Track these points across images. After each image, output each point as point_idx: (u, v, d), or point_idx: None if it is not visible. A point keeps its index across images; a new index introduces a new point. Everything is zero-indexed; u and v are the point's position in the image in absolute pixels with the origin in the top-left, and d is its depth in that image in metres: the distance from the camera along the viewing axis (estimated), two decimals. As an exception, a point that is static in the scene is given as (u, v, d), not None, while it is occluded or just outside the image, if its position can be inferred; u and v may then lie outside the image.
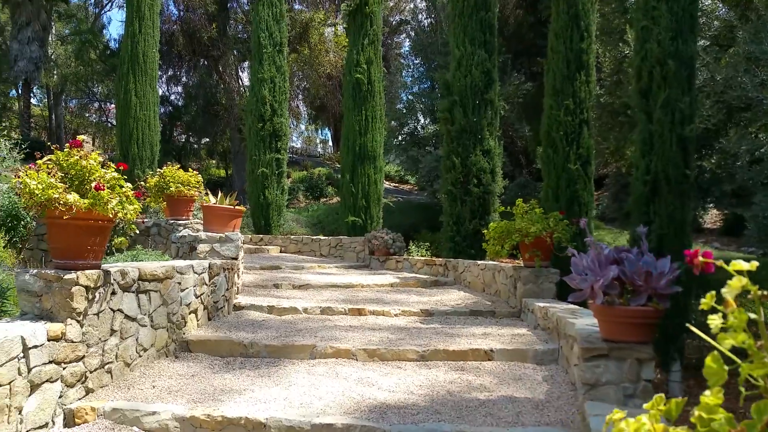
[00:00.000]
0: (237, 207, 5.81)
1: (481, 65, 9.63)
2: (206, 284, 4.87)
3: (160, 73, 30.41)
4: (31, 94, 35.54)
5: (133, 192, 3.69)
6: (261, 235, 11.56)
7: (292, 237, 11.16)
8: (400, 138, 18.61)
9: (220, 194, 5.98)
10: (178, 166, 7.81)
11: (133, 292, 3.79)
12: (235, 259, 5.70)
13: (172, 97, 30.77)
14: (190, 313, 4.56)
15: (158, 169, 7.78)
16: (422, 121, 18.67)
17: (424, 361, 4.50)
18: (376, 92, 11.71)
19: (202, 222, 9.89)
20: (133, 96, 12.30)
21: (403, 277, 8.54)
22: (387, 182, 33.87)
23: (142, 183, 8.04)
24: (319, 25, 28.80)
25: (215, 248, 5.66)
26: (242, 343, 4.41)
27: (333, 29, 32.11)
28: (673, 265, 3.23)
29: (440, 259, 8.93)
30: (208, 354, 4.42)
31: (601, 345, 3.21)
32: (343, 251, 10.45)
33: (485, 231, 6.53)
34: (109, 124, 31.11)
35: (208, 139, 31.14)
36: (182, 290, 4.41)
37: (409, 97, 19.59)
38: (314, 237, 11.00)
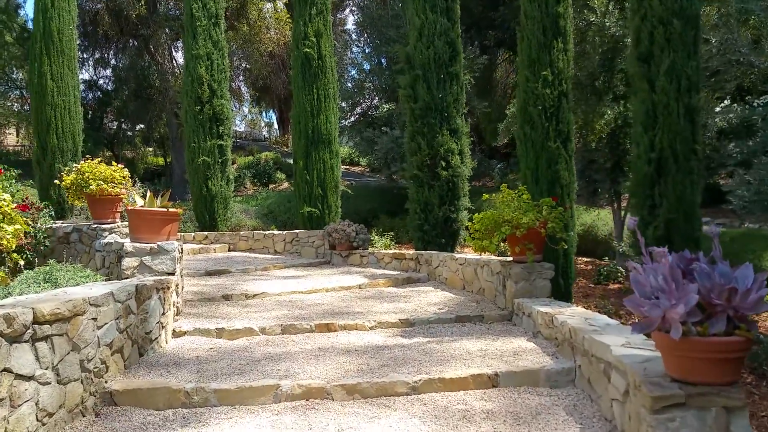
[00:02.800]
0: (171, 209, 4.73)
1: (445, 35, 8.72)
2: (134, 313, 3.81)
3: (86, 56, 28.26)
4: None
5: (14, 206, 2.59)
6: (206, 233, 10.36)
7: (242, 233, 10.02)
8: (352, 119, 17.54)
9: (149, 194, 4.88)
10: (99, 159, 6.61)
11: (26, 341, 2.72)
12: (172, 274, 4.63)
13: (101, 82, 28.52)
14: (112, 354, 3.50)
15: (74, 165, 6.54)
16: (375, 100, 17.64)
17: (417, 395, 3.62)
18: (327, 68, 10.62)
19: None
20: (48, 80, 10.77)
21: (370, 274, 7.62)
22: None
23: (56, 181, 6.80)
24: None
25: (145, 262, 4.57)
26: (184, 390, 3.40)
27: (272, 4, 30.46)
28: (760, 276, 2.43)
29: (411, 251, 8.05)
30: (140, 407, 3.38)
31: (675, 390, 2.38)
32: (300, 246, 9.42)
33: (468, 223, 5.67)
34: (33, 113, 28.57)
35: (143, 126, 29.15)
36: (100, 327, 3.35)
37: (359, 75, 18.49)
38: (266, 232, 9.91)
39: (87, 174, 6.36)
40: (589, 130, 11.37)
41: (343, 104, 18.33)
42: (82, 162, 6.52)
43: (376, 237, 11.08)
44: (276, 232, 9.85)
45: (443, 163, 8.62)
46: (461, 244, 9.43)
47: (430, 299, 6.20)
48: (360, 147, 17.52)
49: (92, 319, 3.26)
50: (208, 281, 6.97)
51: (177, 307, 4.89)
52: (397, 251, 8.24)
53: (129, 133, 29.89)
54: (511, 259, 5.68)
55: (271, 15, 29.68)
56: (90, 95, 28.26)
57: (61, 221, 7.95)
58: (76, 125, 11.26)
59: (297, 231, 9.70)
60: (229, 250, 9.91)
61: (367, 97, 18.10)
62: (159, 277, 4.37)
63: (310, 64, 10.51)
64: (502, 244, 5.77)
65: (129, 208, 4.69)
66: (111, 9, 24.66)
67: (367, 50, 18.68)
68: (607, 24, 11.30)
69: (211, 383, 3.51)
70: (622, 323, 6.63)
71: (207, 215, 11.00)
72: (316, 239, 9.19)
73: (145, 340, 4.02)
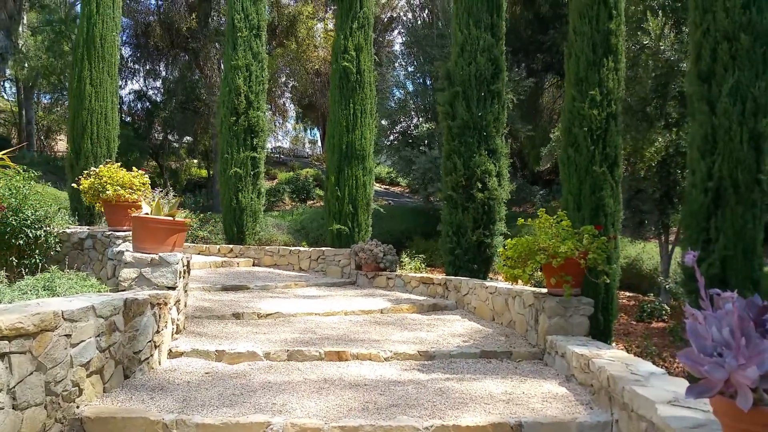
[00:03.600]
0: (178, 219, 4.42)
1: (488, 51, 8.30)
2: (119, 330, 3.47)
3: (137, 66, 28.97)
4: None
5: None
6: (231, 246, 10.12)
7: (267, 248, 9.73)
8: (391, 137, 17.23)
9: (156, 199, 4.59)
10: (118, 164, 6.39)
11: (-21, 357, 2.40)
12: (173, 288, 4.30)
13: (150, 93, 29.14)
14: (89, 376, 3.16)
15: (93, 168, 6.36)
16: (415, 120, 17.30)
17: (428, 444, 3.14)
18: (365, 83, 10.33)
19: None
20: (87, 84, 10.82)
21: (395, 298, 7.17)
22: (377, 184, 32.50)
23: (74, 185, 6.64)
24: (306, 18, 27.45)
25: (145, 274, 4.26)
26: (162, 422, 3.02)
27: (323, 24, 30.75)
28: None
29: (439, 276, 7.57)
30: (113, 437, 3.02)
31: (746, 478, 1.85)
32: (326, 265, 9.06)
33: (501, 249, 5.18)
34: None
35: (190, 138, 29.64)
36: (74, 345, 3.01)
37: (402, 94, 18.22)
38: (292, 248, 9.59)
39: (105, 178, 6.17)
40: (638, 158, 10.71)
41: (384, 122, 18.06)
42: (101, 166, 6.33)
43: (407, 259, 10.64)
44: (302, 248, 9.52)
45: (479, 185, 8.14)
46: (494, 271, 8.90)
47: (455, 329, 5.71)
48: (398, 166, 17.16)
49: (65, 335, 2.93)
50: (222, 297, 6.65)
51: (177, 324, 4.55)
52: (425, 275, 7.77)
53: (175, 144, 30.44)
54: (545, 290, 5.16)
55: (320, 34, 29.93)
56: (139, 105, 28.95)
57: (80, 226, 7.82)
58: (112, 131, 11.27)
59: (323, 248, 9.34)
60: (253, 265, 9.63)
61: (408, 116, 17.79)
62: (155, 292, 4.04)
63: (348, 78, 10.24)
64: (538, 273, 5.26)
65: (133, 215, 4.41)
66: (163, 22, 25.24)
67: (410, 69, 18.41)
68: (662, 47, 10.69)
69: (194, 416, 3.13)
70: (667, 370, 5.96)
71: (235, 228, 10.77)
72: (342, 258, 8.81)
73: (132, 361, 3.67)
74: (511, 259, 4.98)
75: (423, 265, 11.01)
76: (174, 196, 13.46)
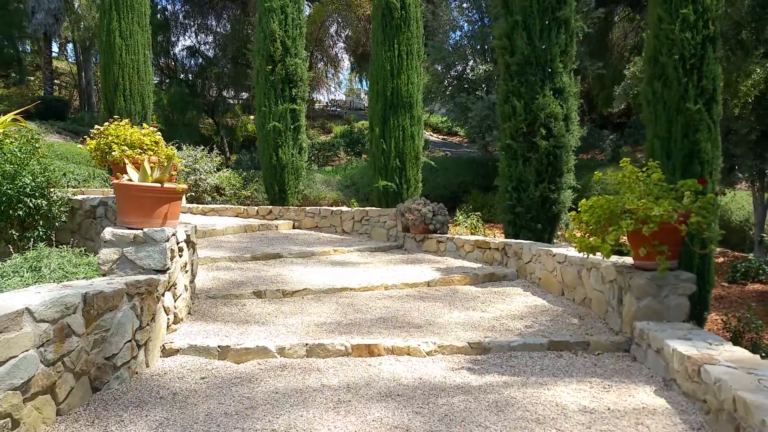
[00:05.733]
0: (167, 185, 3.60)
1: (552, -30, 6.96)
2: (77, 334, 2.72)
3: (189, 22, 28.46)
4: (58, 50, 34.28)
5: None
6: (270, 207, 9.38)
7: (308, 209, 8.92)
8: (446, 82, 15.91)
9: (146, 163, 3.78)
10: (127, 125, 5.63)
11: None
12: (162, 271, 3.53)
13: (203, 48, 28.58)
14: (29, 400, 2.43)
15: (97, 126, 5.64)
16: (471, 62, 15.85)
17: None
18: (411, 20, 9.14)
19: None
20: (117, 37, 10.17)
21: (445, 266, 6.24)
22: (434, 134, 31.18)
23: (80, 146, 5.99)
24: (355, -42, 25.94)
25: (127, 255, 3.49)
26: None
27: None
28: None
29: (496, 239, 6.55)
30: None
31: None
32: (370, 227, 8.18)
33: (573, 213, 4.11)
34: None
35: (246, 93, 29.12)
36: (1, 363, 2.27)
37: (457, 35, 16.73)
38: (334, 209, 8.75)
39: (111, 137, 5.45)
40: (731, 93, 9.08)
41: (438, 67, 16.73)
42: (106, 123, 5.61)
43: (461, 216, 9.63)
44: (344, 209, 8.68)
45: (543, 131, 6.96)
46: (562, 230, 7.79)
47: (515, 307, 4.74)
48: (453, 114, 15.89)
49: (-19, 353, 2.18)
50: (248, 267, 5.91)
51: (175, 313, 3.80)
52: (480, 238, 6.76)
53: (230, 100, 30.02)
54: (631, 262, 4.09)
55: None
56: (192, 62, 28.52)
57: (93, 194, 7.24)
58: (146, 86, 10.65)
59: (367, 208, 8.45)
60: (293, 228, 8.88)
61: (464, 59, 16.33)
62: (134, 278, 3.27)
63: (391, 15, 9.08)
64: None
65: (115, 181, 3.64)
66: (209, -29, 24.42)
67: (465, 5, 16.81)
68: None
69: (162, 451, 2.36)
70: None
71: (276, 186, 10.04)
72: (388, 219, 7.90)
73: (103, 369, 2.94)
74: (587, 225, 3.91)
75: (480, 223, 9.99)
76: (218, 154, 12.89)
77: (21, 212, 5.18)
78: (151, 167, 3.87)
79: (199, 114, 27.36)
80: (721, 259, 10.58)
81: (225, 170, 12.72)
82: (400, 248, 7.53)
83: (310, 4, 29.88)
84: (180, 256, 3.85)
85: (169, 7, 27.98)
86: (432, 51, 15.31)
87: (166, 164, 4.04)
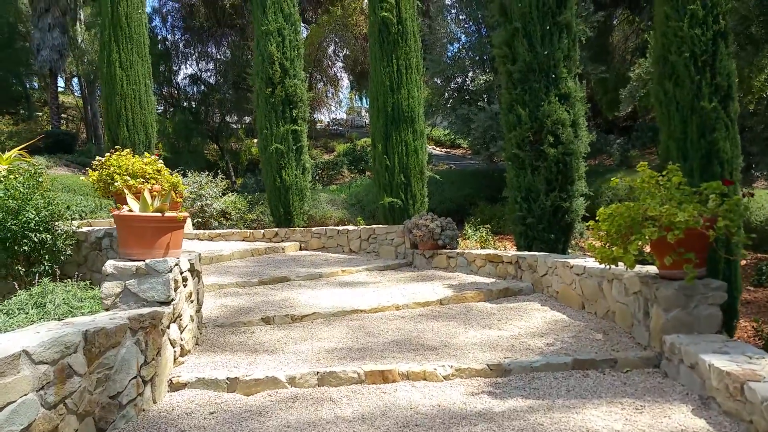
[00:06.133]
0: (168, 214, 3.44)
1: (551, -26, 6.83)
2: (79, 374, 2.55)
3: (189, 50, 28.67)
4: (64, 84, 34.62)
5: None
6: (276, 229, 9.21)
7: (314, 230, 8.75)
8: (446, 95, 15.80)
9: (146, 192, 3.62)
10: (128, 155, 5.51)
11: None
12: (166, 303, 3.35)
13: (204, 75, 28.73)
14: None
15: (99, 157, 5.52)
16: (471, 73, 15.75)
17: None
18: (409, 34, 9.04)
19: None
20: (117, 68, 10.13)
21: (457, 283, 6.03)
22: (437, 148, 31.08)
23: (83, 178, 5.89)
24: (349, -21, 26.12)
25: (130, 288, 3.33)
26: None
27: (367, -16, 29.20)
28: None
29: (509, 252, 6.34)
30: None
31: None
32: (377, 245, 7.99)
33: (591, 223, 3.92)
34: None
35: (248, 118, 29.21)
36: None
37: (455, 47, 16.65)
38: (340, 228, 8.57)
39: (113, 168, 5.32)
40: (744, 89, 8.90)
41: (437, 80, 16.65)
42: (107, 154, 5.49)
43: (470, 230, 9.42)
44: (350, 228, 8.49)
45: (551, 138, 6.78)
46: (576, 240, 7.57)
47: (534, 324, 4.52)
48: (455, 126, 15.75)
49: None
50: (256, 292, 5.73)
51: (181, 345, 3.62)
52: (491, 252, 6.56)
53: (233, 125, 30.11)
54: (656, 272, 3.87)
55: (366, -5, 28.44)
56: (194, 89, 28.65)
57: (98, 226, 7.11)
58: (149, 116, 10.60)
59: (374, 226, 8.26)
60: (300, 249, 8.70)
61: (463, 70, 16.24)
62: (137, 312, 3.09)
63: (388, 30, 8.98)
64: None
65: (114, 212, 3.49)
66: (205, 0, 24.60)
67: (461, 17, 16.76)
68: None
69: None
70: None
71: (281, 208, 9.89)
72: (395, 236, 7.71)
73: (108, 409, 2.76)
74: (607, 234, 3.71)
75: (490, 236, 9.77)
76: (222, 179, 12.77)
77: (26, 247, 5.04)
78: (153, 196, 3.72)
79: (204, 140, 27.45)
80: (743, 262, 10.30)
81: (230, 194, 12.60)
82: (409, 265, 7.33)
83: (307, 26, 30.08)
84: (184, 286, 3.67)
85: (169, 36, 28.22)
86: (431, 65, 15.23)
87: (166, 193, 3.88)
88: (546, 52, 6.89)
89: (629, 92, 11.43)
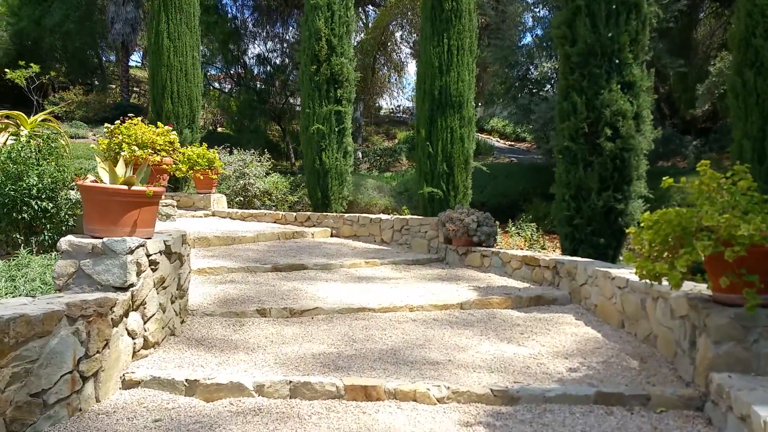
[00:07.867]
0: (137, 187, 3.07)
1: (621, -54, 6.05)
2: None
3: (258, 30, 28.83)
4: (141, 59, 35.74)
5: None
6: (309, 213, 8.84)
7: (346, 216, 8.31)
8: (507, 83, 14.95)
9: (120, 162, 3.28)
10: (140, 124, 5.23)
11: None
12: (122, 289, 2.99)
13: (270, 56, 28.82)
14: None
15: (108, 125, 5.27)
16: (536, 61, 14.81)
17: None
18: (463, 12, 8.39)
19: (175, 202, 7.39)
20: (165, 38, 10.03)
21: (486, 285, 5.45)
22: (500, 140, 30.00)
23: (93, 146, 5.67)
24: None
25: (84, 268, 2.99)
26: None
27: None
28: None
29: (547, 256, 5.68)
30: None
31: None
32: (410, 236, 7.47)
33: (633, 229, 3.27)
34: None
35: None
36: None
37: (522, 31, 15.72)
38: (374, 216, 8.08)
39: (122, 136, 5.06)
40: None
41: (501, 67, 15.78)
42: (117, 122, 5.23)
43: (513, 228, 8.73)
44: (384, 217, 8.00)
45: (608, 131, 6.04)
46: (630, 247, 6.77)
47: (561, 341, 3.90)
48: (515, 117, 14.90)
49: None
50: (263, 281, 5.35)
51: (145, 336, 3.26)
52: (528, 254, 5.91)
53: (297, 107, 30.20)
54: (709, 294, 3.19)
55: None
56: (261, 69, 28.83)
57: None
58: (194, 89, 10.47)
59: (407, 217, 7.73)
60: (331, 236, 8.29)
61: (530, 56, 15.30)
62: (81, 297, 2.74)
63: (441, 6, 8.37)
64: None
65: (79, 182, 3.16)
66: (271, -23, 24.58)
67: (531, 0, 15.78)
68: None
69: None
70: None
71: (319, 192, 9.53)
72: (429, 229, 7.16)
73: (25, 409, 2.40)
74: (650, 244, 3.05)
75: (538, 234, 9.05)
76: (268, 159, 12.54)
77: (26, 215, 4.87)
78: (127, 166, 3.36)
79: (267, 120, 27.62)
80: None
81: (273, 175, 12.39)
82: (440, 261, 6.78)
83: (375, 9, 29.61)
84: (153, 270, 3.30)
85: (238, 15, 28.45)
86: (494, 50, 14.43)
87: (144, 165, 3.51)
88: (610, 34, 6.12)
89: (707, 87, 10.35)
